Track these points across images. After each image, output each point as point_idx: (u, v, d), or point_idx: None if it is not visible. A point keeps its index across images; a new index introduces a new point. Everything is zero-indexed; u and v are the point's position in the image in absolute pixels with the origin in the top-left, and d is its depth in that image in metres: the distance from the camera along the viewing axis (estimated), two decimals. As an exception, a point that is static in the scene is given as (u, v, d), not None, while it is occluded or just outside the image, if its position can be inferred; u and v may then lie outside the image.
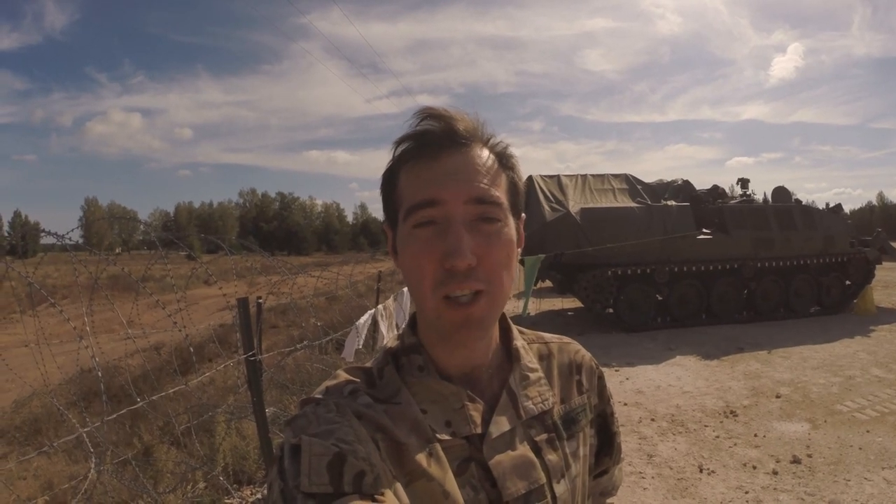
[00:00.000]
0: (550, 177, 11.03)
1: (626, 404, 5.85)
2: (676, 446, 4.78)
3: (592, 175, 11.31)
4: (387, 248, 0.77)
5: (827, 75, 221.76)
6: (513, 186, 0.74)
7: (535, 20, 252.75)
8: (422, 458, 0.66)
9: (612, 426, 0.92)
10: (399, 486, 0.63)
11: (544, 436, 0.77)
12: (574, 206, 10.26)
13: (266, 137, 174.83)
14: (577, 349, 0.91)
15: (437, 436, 0.69)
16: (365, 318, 4.84)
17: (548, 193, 10.56)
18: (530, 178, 10.88)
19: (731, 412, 5.59)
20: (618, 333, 9.93)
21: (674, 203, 10.71)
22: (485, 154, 0.71)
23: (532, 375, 0.80)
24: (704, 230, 10.56)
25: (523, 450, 0.74)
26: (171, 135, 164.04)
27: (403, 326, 0.81)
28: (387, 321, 5.32)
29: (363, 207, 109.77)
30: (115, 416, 2.90)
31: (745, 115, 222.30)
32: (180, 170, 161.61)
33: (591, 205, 10.40)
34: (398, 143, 0.72)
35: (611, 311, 10.43)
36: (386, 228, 0.76)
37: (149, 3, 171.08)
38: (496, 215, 0.69)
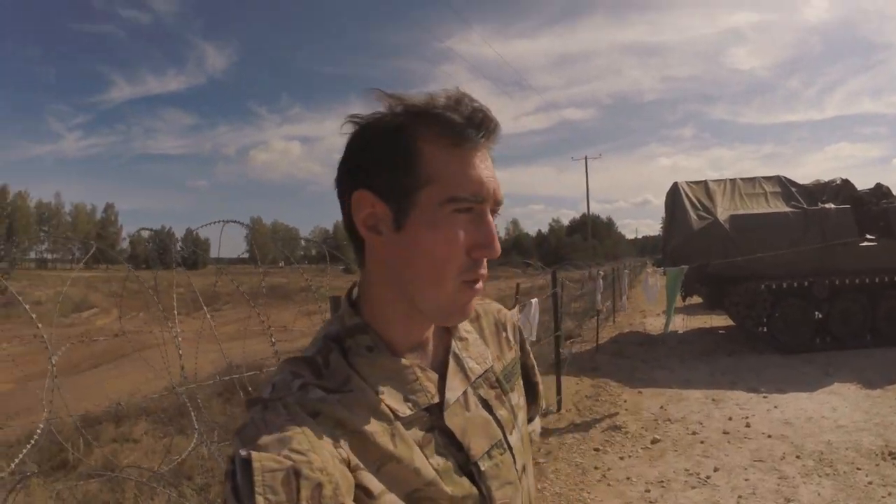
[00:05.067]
0: (697, 183, 10.77)
1: (770, 436, 5.79)
2: (821, 490, 4.72)
3: (742, 179, 10.85)
4: (360, 219, 0.72)
5: None
6: None
7: (676, 22, 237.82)
8: (386, 441, 0.68)
9: (534, 376, 1.01)
10: (369, 475, 0.65)
11: (492, 392, 0.83)
12: (722, 213, 9.92)
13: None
14: (497, 307, 0.98)
15: (398, 413, 0.70)
16: None
17: (694, 201, 10.31)
18: (675, 186, 10.72)
19: (891, 454, 5.34)
20: (771, 355, 9.50)
21: (832, 206, 9.91)
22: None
23: (469, 337, 0.85)
24: (868, 235, 9.71)
25: (477, 409, 0.79)
26: (329, 159, 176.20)
27: (342, 308, 0.79)
28: None
29: (516, 223, 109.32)
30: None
31: None
32: (333, 191, 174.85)
33: (740, 211, 10.00)
34: (426, 108, 0.70)
35: (764, 329, 10.00)
36: (369, 197, 0.71)
37: (298, 41, 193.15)
38: (496, 213, 0.74)
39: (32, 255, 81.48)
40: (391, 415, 0.70)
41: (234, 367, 4.08)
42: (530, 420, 0.98)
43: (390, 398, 0.71)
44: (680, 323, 12.38)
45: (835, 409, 6.57)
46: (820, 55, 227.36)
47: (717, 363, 9.10)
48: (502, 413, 0.82)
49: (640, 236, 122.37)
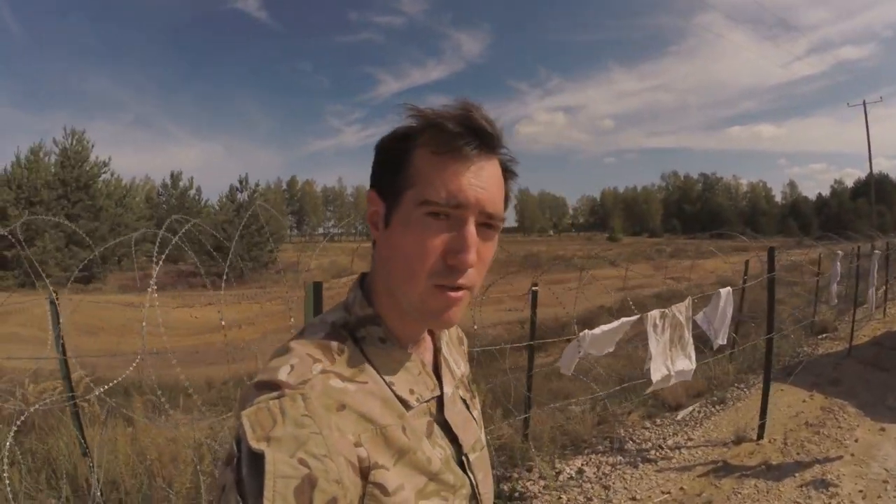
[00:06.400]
0: None
1: None
2: None
3: None
4: (368, 216, 0.77)
5: None
6: (506, 198, 0.78)
7: None
8: (400, 434, 0.69)
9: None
10: (385, 472, 0.65)
11: (468, 394, 0.90)
12: None
13: (686, 118, 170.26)
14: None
15: (409, 404, 0.73)
16: (613, 326, 3.91)
17: None
18: None
19: None
20: None
21: None
22: (498, 167, 0.75)
23: (448, 344, 0.91)
24: None
25: (461, 407, 0.85)
26: (593, 127, 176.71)
27: (355, 297, 0.80)
28: (666, 335, 4.16)
29: (792, 185, 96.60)
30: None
31: None
32: (605, 158, 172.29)
33: None
34: (419, 117, 0.72)
35: None
36: (374, 196, 0.76)
37: (546, 13, 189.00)
38: (495, 227, 0.74)
39: (321, 230, 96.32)
40: (402, 406, 0.73)
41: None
42: None
43: (401, 389, 0.74)
44: None
45: None
46: None
47: None
48: (475, 413, 0.89)
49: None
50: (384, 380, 0.72)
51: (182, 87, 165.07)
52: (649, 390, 4.28)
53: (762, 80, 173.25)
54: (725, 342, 4.61)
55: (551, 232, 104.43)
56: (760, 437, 4.92)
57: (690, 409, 5.70)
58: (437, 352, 0.84)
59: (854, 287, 8.80)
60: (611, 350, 3.93)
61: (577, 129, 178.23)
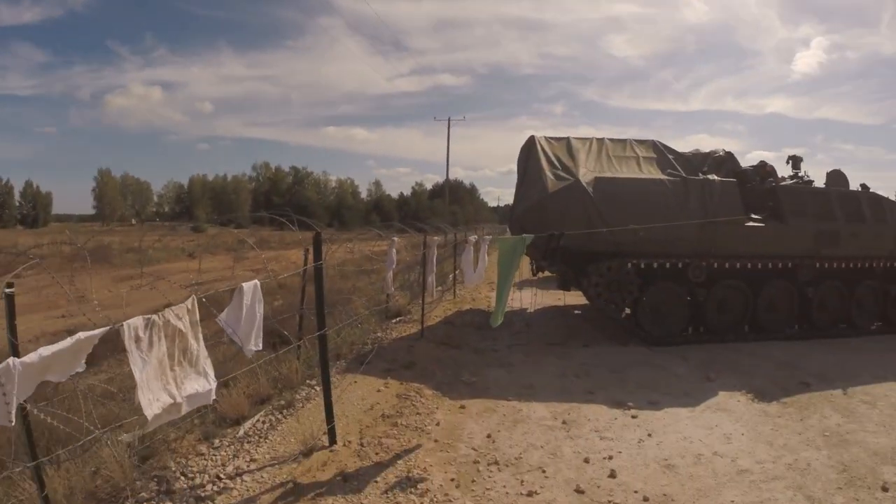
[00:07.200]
0: (558, 139, 8.65)
1: (647, 499, 3.60)
2: None
3: (611, 140, 8.86)
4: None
5: (852, 73, 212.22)
6: None
7: (560, 2, 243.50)
8: None
9: None
10: None
11: None
12: (586, 174, 7.90)
13: (287, 112, 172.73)
14: None
15: None
16: (64, 346, 2.49)
17: (552, 158, 8.25)
18: (531, 140, 8.56)
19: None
20: (636, 347, 7.64)
21: (716, 178, 8.29)
22: None
23: None
24: (753, 216, 8.21)
25: None
26: (191, 108, 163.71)
27: None
28: (160, 350, 2.91)
29: (377, 184, 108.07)
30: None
31: (769, 109, 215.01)
32: (199, 143, 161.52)
33: (608, 174, 8.04)
34: None
35: (628, 315, 8.17)
36: None
37: None
38: None
39: None
40: None
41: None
42: None
43: None
44: (529, 299, 10.32)
45: (729, 438, 4.57)
46: (693, 53, 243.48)
47: (570, 358, 7.02)
48: None
49: (502, 204, 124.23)
50: None
51: None
52: (147, 428, 3.07)
53: (365, 89, 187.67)
54: (260, 347, 3.56)
55: (133, 221, 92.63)
56: (333, 441, 4.27)
57: (252, 420, 4.69)
58: None
59: (423, 273, 9.36)
60: (80, 371, 2.44)
61: (172, 109, 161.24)
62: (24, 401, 2.77)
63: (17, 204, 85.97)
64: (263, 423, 4.66)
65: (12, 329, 2.72)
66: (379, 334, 8.21)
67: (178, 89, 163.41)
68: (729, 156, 9.19)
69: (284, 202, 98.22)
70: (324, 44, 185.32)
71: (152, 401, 2.41)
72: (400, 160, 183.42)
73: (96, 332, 2.20)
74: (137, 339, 2.44)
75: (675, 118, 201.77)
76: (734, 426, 4.86)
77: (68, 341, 2.05)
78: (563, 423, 4.78)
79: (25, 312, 6.71)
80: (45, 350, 1.94)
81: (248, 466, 3.89)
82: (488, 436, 4.46)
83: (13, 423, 1.85)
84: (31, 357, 1.88)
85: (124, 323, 2.40)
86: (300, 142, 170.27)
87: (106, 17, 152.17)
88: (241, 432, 4.43)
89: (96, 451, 3.62)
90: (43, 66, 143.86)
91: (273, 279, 4.46)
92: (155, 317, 2.58)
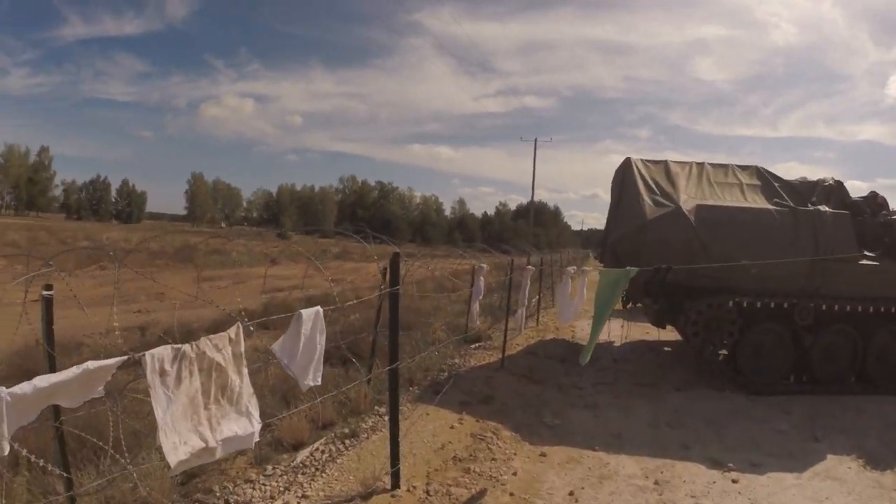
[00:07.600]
0: (655, 162, 8.13)
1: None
2: None
3: (712, 164, 8.24)
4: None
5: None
6: None
7: (645, 25, 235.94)
8: None
9: None
10: None
11: None
12: (687, 201, 7.32)
13: (374, 129, 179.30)
14: None
15: None
16: (70, 376, 2.22)
17: (650, 182, 7.72)
18: (627, 162, 8.10)
19: None
20: (733, 394, 6.95)
21: (827, 209, 7.49)
22: None
23: None
24: (867, 252, 7.36)
25: None
26: (282, 121, 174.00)
27: None
28: (192, 385, 2.54)
29: (461, 202, 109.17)
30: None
31: (862, 136, 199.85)
32: (288, 154, 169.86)
33: (710, 201, 7.43)
34: None
35: (725, 359, 7.49)
36: None
37: None
38: None
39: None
40: None
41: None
42: None
43: None
44: (617, 331, 9.69)
45: (846, 517, 3.99)
46: (782, 76, 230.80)
47: (661, 402, 6.47)
48: None
49: (585, 228, 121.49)
50: None
51: None
52: (171, 473, 2.75)
53: (451, 108, 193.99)
54: (318, 382, 3.11)
55: (223, 224, 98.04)
56: (396, 485, 3.93)
57: (311, 448, 4.46)
58: None
59: (507, 297, 9.02)
60: (98, 395, 2.13)
61: (264, 120, 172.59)
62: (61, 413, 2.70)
63: (114, 200, 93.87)
64: (323, 452, 4.46)
65: (49, 336, 2.65)
66: (456, 360, 7.95)
67: (270, 102, 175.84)
68: (839, 185, 8.29)
69: (369, 215, 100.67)
70: (412, 63, 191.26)
71: (178, 444, 2.14)
72: (483, 180, 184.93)
73: (110, 362, 1.99)
74: (163, 373, 2.14)
75: (763, 144, 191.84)
76: (846, 500, 4.24)
77: (73, 371, 1.86)
78: (656, 483, 4.32)
79: (102, 305, 6.93)
80: (41, 380, 1.77)
81: (297, 503, 3.69)
82: (570, 493, 4.07)
83: (5, 454, 1.71)
84: (22, 387, 1.73)
85: (146, 353, 2.14)
86: (386, 158, 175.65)
87: (203, 33, 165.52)
88: (298, 460, 4.25)
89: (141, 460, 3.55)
90: (142, 75, 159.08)
91: (341, 304, 4.29)
92: (186, 347, 2.28)
